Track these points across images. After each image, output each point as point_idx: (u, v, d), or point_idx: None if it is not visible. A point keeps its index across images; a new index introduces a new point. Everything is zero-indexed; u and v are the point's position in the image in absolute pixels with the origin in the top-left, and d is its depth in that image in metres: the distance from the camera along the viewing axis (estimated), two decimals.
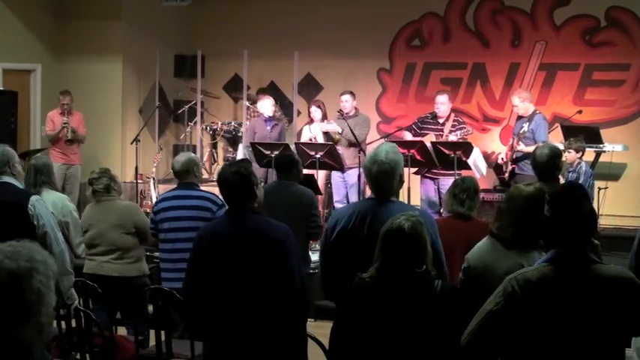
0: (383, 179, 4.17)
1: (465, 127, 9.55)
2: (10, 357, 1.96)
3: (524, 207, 3.86)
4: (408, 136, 9.66)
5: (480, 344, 3.16)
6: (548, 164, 5.50)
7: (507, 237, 3.89)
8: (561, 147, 7.21)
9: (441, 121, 9.66)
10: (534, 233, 3.82)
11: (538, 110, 9.47)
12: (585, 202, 3.15)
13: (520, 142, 9.10)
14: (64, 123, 10.62)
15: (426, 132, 9.65)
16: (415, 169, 9.57)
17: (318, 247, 7.96)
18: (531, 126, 9.10)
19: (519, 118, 9.50)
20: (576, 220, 3.09)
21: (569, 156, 8.71)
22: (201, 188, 6.15)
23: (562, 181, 8.58)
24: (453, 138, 9.30)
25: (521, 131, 9.09)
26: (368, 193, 9.26)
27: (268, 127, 10.31)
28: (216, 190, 5.33)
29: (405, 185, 8.63)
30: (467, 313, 3.67)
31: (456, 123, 9.60)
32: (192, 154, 6.53)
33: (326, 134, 9.98)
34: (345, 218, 4.23)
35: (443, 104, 9.58)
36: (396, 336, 3.53)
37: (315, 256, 7.08)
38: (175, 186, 6.26)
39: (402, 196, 8.09)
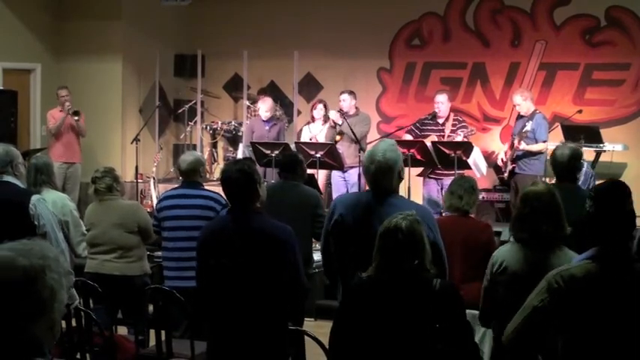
0: (381, 177, 4.19)
1: (466, 127, 9.57)
2: (22, 354, 1.99)
3: (549, 204, 3.95)
4: (409, 139, 9.64)
5: (525, 341, 3.15)
6: (569, 165, 5.47)
7: (541, 238, 3.94)
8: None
9: (440, 121, 9.66)
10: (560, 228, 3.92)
11: (538, 110, 9.49)
12: (628, 199, 3.16)
13: (522, 142, 9.11)
14: (68, 107, 10.60)
15: (427, 133, 9.65)
16: (419, 172, 9.59)
17: (319, 246, 7.97)
18: (532, 125, 9.12)
19: (519, 117, 9.52)
20: (620, 218, 3.08)
21: None
22: (206, 187, 6.14)
23: None
24: (459, 139, 9.31)
25: (523, 130, 9.11)
26: None
27: (266, 127, 10.30)
28: (216, 190, 5.34)
29: (406, 185, 8.63)
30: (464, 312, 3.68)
31: (456, 122, 9.62)
32: (199, 154, 6.53)
33: (333, 128, 9.94)
34: (344, 208, 4.27)
35: (442, 103, 9.59)
36: (396, 334, 3.53)
37: (317, 256, 7.08)
38: (178, 185, 6.26)
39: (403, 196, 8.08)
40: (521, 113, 9.44)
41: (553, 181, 8.78)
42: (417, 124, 9.82)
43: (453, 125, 9.57)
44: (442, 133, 9.56)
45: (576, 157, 5.54)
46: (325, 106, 10.27)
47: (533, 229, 3.94)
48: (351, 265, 4.03)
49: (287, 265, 4.05)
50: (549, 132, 9.49)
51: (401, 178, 4.29)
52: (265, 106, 10.31)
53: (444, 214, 7.66)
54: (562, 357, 3.13)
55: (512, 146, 9.37)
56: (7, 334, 1.97)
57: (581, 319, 3.03)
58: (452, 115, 9.72)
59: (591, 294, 3.02)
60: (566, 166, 5.47)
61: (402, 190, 4.46)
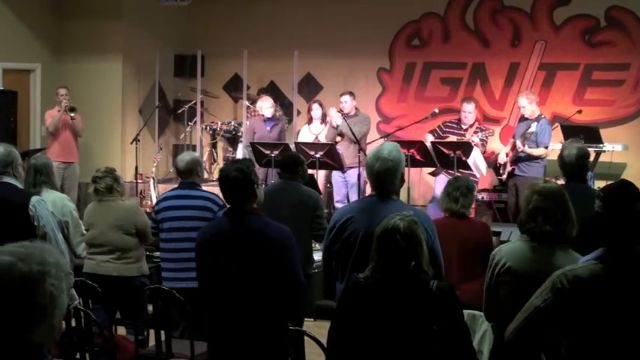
0: (384, 177, 4.15)
1: (483, 130, 9.59)
2: (22, 359, 1.97)
3: (562, 203, 3.81)
4: (430, 139, 9.62)
5: (526, 340, 3.12)
6: (577, 164, 5.39)
7: (549, 234, 3.81)
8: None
9: (464, 127, 9.68)
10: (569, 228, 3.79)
11: (543, 114, 9.46)
12: (638, 200, 3.11)
13: (525, 144, 9.09)
14: (65, 104, 10.59)
15: (448, 135, 9.70)
16: (431, 170, 9.62)
17: (319, 247, 7.97)
18: (537, 128, 9.10)
19: (522, 119, 9.48)
20: (629, 219, 3.04)
21: None
22: (203, 188, 6.14)
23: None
24: (475, 140, 9.33)
25: (527, 131, 9.08)
26: (368, 192, 9.28)
27: (268, 127, 10.29)
28: (216, 190, 5.33)
29: (405, 185, 8.62)
30: (462, 313, 3.67)
31: (478, 130, 9.62)
32: (196, 154, 6.52)
33: (334, 129, 9.93)
34: (346, 217, 4.23)
35: (470, 113, 9.65)
36: (393, 335, 3.52)
37: (317, 256, 7.08)
38: (176, 185, 6.25)
39: (403, 197, 8.07)
40: (526, 116, 9.41)
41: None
42: (441, 126, 9.85)
43: (475, 132, 9.58)
44: (463, 138, 9.54)
45: (584, 156, 5.47)
46: (321, 105, 10.28)
47: (544, 224, 3.78)
48: (353, 270, 4.00)
49: (284, 266, 4.04)
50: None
51: (403, 181, 4.27)
52: (268, 104, 10.31)
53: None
54: (566, 357, 3.10)
55: (513, 147, 9.36)
56: (6, 339, 1.95)
57: (584, 321, 2.98)
58: (476, 123, 9.74)
59: (596, 295, 2.97)
60: (574, 166, 5.39)
61: (402, 190, 4.42)
